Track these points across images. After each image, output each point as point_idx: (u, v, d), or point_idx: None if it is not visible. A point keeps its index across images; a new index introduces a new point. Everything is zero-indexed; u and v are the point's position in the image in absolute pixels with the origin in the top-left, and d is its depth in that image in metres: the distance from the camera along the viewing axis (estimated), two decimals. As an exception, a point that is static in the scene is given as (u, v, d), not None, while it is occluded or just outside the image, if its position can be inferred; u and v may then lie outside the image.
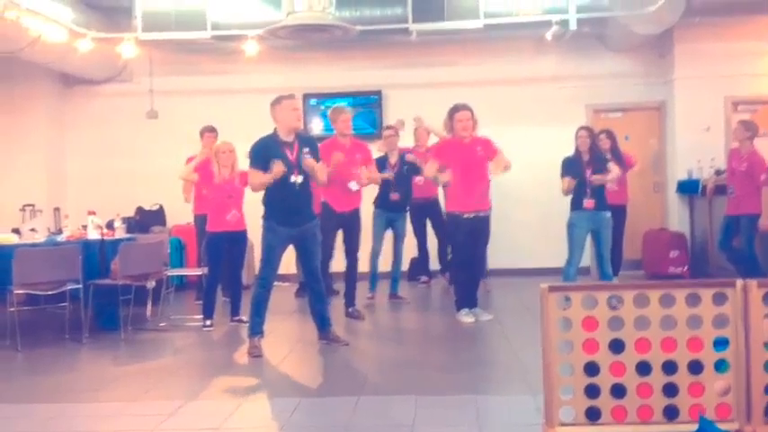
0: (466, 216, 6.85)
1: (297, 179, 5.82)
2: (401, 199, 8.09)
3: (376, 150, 8.17)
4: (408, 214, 8.39)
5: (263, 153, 5.80)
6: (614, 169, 7.31)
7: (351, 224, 7.24)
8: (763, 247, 7.59)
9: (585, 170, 7.20)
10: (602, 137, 7.95)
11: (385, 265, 8.16)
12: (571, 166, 7.24)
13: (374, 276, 8.05)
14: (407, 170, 8.21)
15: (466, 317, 6.99)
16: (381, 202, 8.07)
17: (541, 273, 8.32)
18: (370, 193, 7.99)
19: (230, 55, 9.56)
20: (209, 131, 8.19)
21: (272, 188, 5.83)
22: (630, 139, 9.95)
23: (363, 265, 7.72)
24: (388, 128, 8.52)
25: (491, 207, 7.09)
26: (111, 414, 4.46)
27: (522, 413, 4.21)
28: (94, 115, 10.52)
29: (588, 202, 7.13)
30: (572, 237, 7.25)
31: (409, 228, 8.79)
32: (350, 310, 7.36)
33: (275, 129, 5.92)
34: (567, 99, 9.94)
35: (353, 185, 7.13)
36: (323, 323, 6.18)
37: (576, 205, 7.24)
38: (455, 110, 6.93)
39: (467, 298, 7.07)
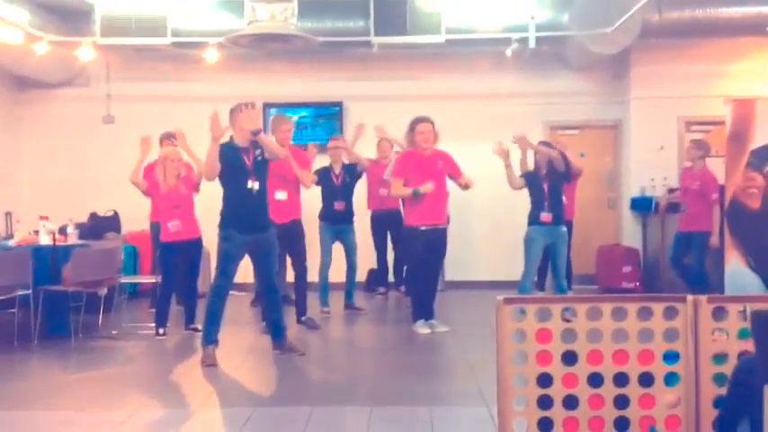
0: (423, 228, 6.88)
1: (254, 185, 5.82)
2: (346, 209, 8.08)
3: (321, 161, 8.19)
4: (359, 225, 8.38)
5: (222, 154, 5.76)
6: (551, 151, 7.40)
7: (292, 235, 7.21)
8: (713, 264, 7.75)
9: (543, 184, 7.28)
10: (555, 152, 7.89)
11: (339, 276, 8.15)
12: (529, 182, 7.32)
13: (325, 289, 8.01)
14: (350, 180, 8.19)
15: (422, 328, 7.00)
16: (326, 215, 8.05)
17: (497, 286, 8.38)
18: (315, 207, 8.05)
19: (190, 62, 9.48)
20: (167, 138, 8.07)
21: (229, 195, 5.83)
22: (586, 156, 10.09)
23: (313, 276, 7.72)
24: (334, 139, 8.44)
25: (448, 221, 7.13)
26: (62, 422, 4.38)
27: (477, 424, 4.23)
28: (50, 119, 10.34)
29: (546, 216, 7.21)
30: (529, 251, 7.31)
31: (368, 238, 8.81)
32: (303, 318, 7.32)
33: (231, 137, 5.90)
34: (524, 116, 10.04)
35: (280, 195, 7.10)
36: (278, 333, 6.14)
37: (533, 220, 7.31)
38: (417, 122, 6.97)
39: (423, 309, 7.09)
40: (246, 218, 5.81)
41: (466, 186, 7.05)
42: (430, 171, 6.90)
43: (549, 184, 7.27)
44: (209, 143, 5.74)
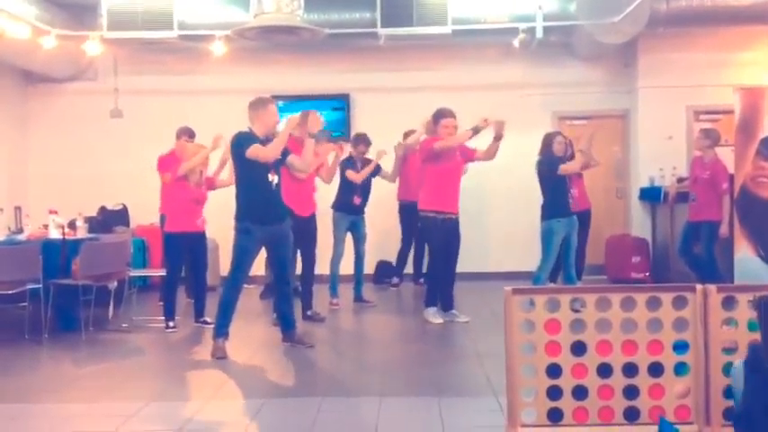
0: (441, 217, 6.95)
1: (273, 178, 5.88)
2: (362, 203, 8.15)
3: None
4: (385, 215, 8.42)
5: (251, 138, 5.80)
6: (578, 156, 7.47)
7: (308, 228, 7.24)
8: (722, 254, 7.72)
9: (565, 176, 7.30)
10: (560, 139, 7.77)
11: (347, 268, 8.17)
12: (552, 163, 7.28)
13: (335, 281, 8.05)
14: (370, 175, 8.22)
15: (433, 316, 7.06)
16: (342, 206, 8.08)
17: (507, 276, 8.38)
18: (329, 196, 8.07)
19: (197, 55, 9.48)
20: (185, 134, 7.83)
21: (249, 187, 5.85)
22: (594, 146, 10.04)
23: (323, 267, 7.74)
24: (362, 143, 8.41)
25: (458, 215, 7.18)
26: (73, 415, 4.40)
27: (486, 414, 4.23)
28: (58, 114, 10.37)
29: (574, 206, 7.27)
30: (550, 244, 7.26)
31: (381, 229, 8.82)
32: (308, 313, 7.33)
33: (249, 128, 5.91)
34: (532, 106, 10.03)
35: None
36: (288, 325, 6.16)
37: (557, 213, 7.25)
38: (441, 115, 7.03)
39: (436, 297, 7.16)
40: (264, 210, 5.84)
41: (488, 155, 7.15)
42: (449, 161, 6.97)
43: (570, 177, 7.30)
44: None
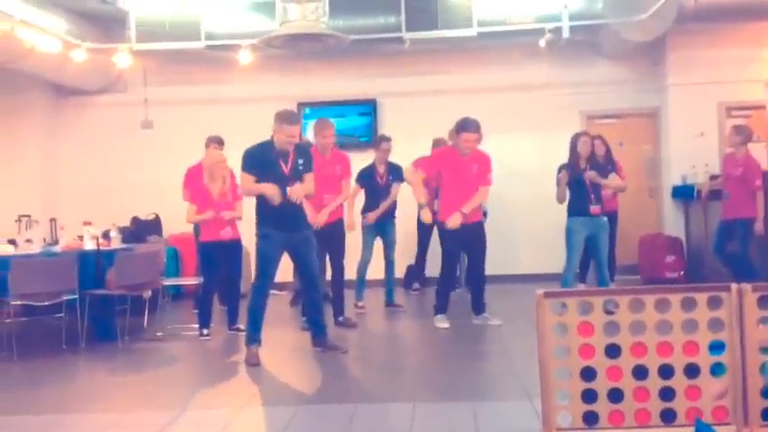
0: (450, 225, 6.87)
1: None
2: (390, 208, 8.13)
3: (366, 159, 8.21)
4: (403, 220, 8.40)
5: (258, 160, 5.82)
6: (616, 179, 7.36)
7: (335, 234, 7.25)
8: (757, 251, 7.61)
9: (585, 177, 7.21)
10: (598, 142, 7.89)
11: (377, 273, 8.17)
12: (571, 173, 7.25)
13: (361, 285, 8.07)
14: (394, 180, 8.20)
15: (441, 322, 7.04)
16: (370, 211, 8.07)
17: (538, 279, 8.33)
18: (357, 205, 8.08)
19: (224, 64, 9.58)
20: (214, 142, 7.86)
21: (264, 197, 5.83)
22: (625, 146, 9.98)
23: (350, 272, 7.76)
24: (387, 140, 8.41)
25: (481, 219, 7.13)
26: (109, 424, 4.45)
27: (520, 418, 4.21)
28: (89, 126, 10.52)
29: (595, 209, 7.15)
30: (570, 242, 7.25)
31: (408, 234, 8.82)
32: (340, 319, 7.34)
33: (271, 137, 5.92)
34: (560, 106, 9.98)
35: (327, 198, 7.12)
36: (319, 331, 6.18)
37: (574, 211, 7.23)
38: (464, 128, 6.88)
39: (444, 304, 7.14)
40: (283, 219, 5.81)
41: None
42: (464, 174, 6.90)
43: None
44: (248, 144, 5.90)
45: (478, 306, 7.20)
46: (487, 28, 8.65)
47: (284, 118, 5.83)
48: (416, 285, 9.40)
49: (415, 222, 8.85)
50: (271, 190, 5.72)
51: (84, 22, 8.96)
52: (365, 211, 8.11)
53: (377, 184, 8.08)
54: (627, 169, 8.89)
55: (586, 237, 7.24)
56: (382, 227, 8.11)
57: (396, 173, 8.21)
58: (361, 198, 8.15)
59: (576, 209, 7.21)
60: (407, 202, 8.76)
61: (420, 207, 7.12)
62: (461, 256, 8.10)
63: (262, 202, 5.87)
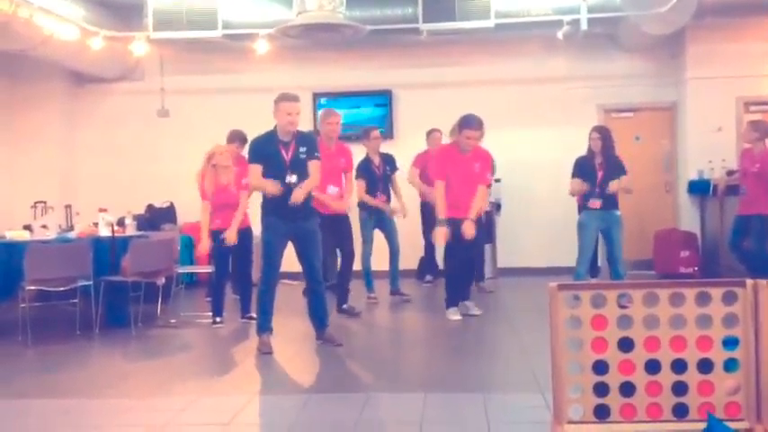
0: (456, 222, 6.84)
1: (291, 179, 5.79)
2: (386, 200, 8.13)
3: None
4: (418, 211, 8.41)
5: (261, 150, 5.84)
6: (615, 183, 7.23)
7: (343, 226, 7.27)
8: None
9: (598, 172, 7.19)
10: (594, 135, 7.38)
11: (380, 264, 8.16)
12: (583, 168, 7.24)
13: (369, 277, 8.07)
14: (390, 170, 8.19)
15: (453, 315, 7.03)
16: (367, 205, 8.04)
17: (552, 272, 8.33)
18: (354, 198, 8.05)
19: (241, 54, 9.59)
20: (239, 141, 7.61)
21: None
22: (641, 140, 9.93)
23: (358, 264, 7.77)
24: (375, 128, 8.40)
25: (499, 209, 7.12)
26: (123, 410, 4.49)
27: (531, 411, 4.21)
28: (106, 113, 10.57)
29: (594, 203, 7.13)
30: (582, 236, 7.25)
31: (417, 227, 8.82)
32: (344, 306, 7.37)
33: (275, 126, 5.92)
34: (577, 99, 9.93)
35: (332, 189, 7.16)
36: (321, 323, 6.16)
37: (584, 205, 7.25)
38: (466, 125, 6.84)
39: (456, 297, 7.12)
40: (286, 208, 5.77)
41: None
42: (465, 172, 6.86)
43: (603, 173, 7.18)
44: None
45: (464, 294, 7.24)
46: (505, 19, 8.62)
47: (281, 97, 5.84)
48: (429, 278, 9.39)
49: (419, 216, 8.87)
50: (271, 188, 5.73)
51: (101, 10, 9.00)
52: (363, 204, 8.09)
53: (375, 176, 8.06)
54: (643, 163, 8.87)
55: (599, 231, 7.22)
56: (379, 220, 8.08)
57: (391, 163, 8.22)
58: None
59: (586, 203, 7.20)
60: (414, 199, 8.77)
61: (439, 224, 6.85)
62: None
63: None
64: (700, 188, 9.40)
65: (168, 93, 10.43)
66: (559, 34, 8.74)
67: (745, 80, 9.37)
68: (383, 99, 10.28)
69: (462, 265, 7.07)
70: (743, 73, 9.32)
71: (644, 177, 9.66)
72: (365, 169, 8.01)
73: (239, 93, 10.18)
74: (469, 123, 6.84)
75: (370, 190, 8.04)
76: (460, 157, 6.88)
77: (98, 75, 10.18)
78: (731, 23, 8.97)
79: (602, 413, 3.28)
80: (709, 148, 9.40)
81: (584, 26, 8.48)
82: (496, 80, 9.95)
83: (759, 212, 7.56)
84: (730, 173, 8.78)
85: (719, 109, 9.51)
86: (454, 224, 6.83)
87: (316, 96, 10.10)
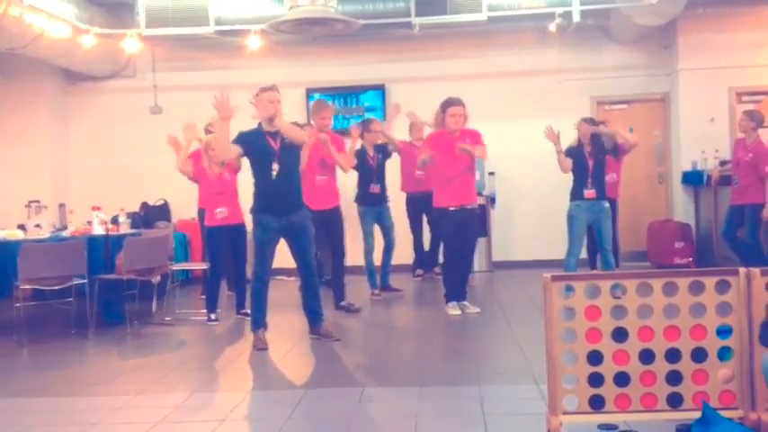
0: (452, 209, 6.83)
1: (274, 168, 5.81)
2: (381, 190, 8.12)
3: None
4: (394, 208, 8.40)
5: (247, 138, 5.87)
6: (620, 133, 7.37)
7: (332, 221, 7.28)
8: (766, 237, 7.58)
9: (588, 160, 7.19)
10: (582, 123, 7.47)
11: (377, 258, 8.16)
12: (574, 160, 7.24)
13: (372, 272, 8.07)
14: (383, 161, 8.20)
15: (453, 309, 7.01)
16: (365, 198, 8.06)
17: (543, 264, 8.33)
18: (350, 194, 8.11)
19: (233, 50, 9.57)
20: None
21: (257, 180, 5.88)
22: (635, 131, 9.92)
23: (358, 260, 7.76)
24: (374, 121, 8.41)
25: (475, 202, 7.08)
26: (118, 407, 4.48)
27: (527, 402, 4.22)
28: (98, 111, 10.54)
29: (590, 193, 7.13)
30: (572, 228, 7.25)
31: (403, 221, 8.83)
32: (342, 303, 7.36)
33: (259, 122, 5.93)
34: (570, 91, 9.93)
35: (320, 180, 7.22)
36: (315, 318, 6.15)
37: (575, 196, 7.23)
38: (448, 104, 6.88)
39: (455, 291, 7.10)
40: (275, 201, 5.80)
41: (479, 155, 6.94)
42: (456, 152, 6.82)
43: (594, 161, 7.18)
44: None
45: (460, 293, 7.14)
46: (497, 12, 8.63)
47: (260, 90, 5.92)
48: (419, 272, 9.36)
49: (404, 212, 8.89)
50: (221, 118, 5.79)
51: (93, 8, 8.96)
52: (359, 196, 8.10)
53: (369, 167, 8.06)
54: (637, 155, 8.85)
55: (589, 223, 7.23)
56: (378, 213, 8.08)
57: (383, 151, 8.24)
58: (353, 185, 8.18)
59: (578, 193, 7.20)
60: (398, 192, 8.77)
61: (423, 162, 6.97)
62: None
63: (257, 187, 5.89)
64: (693, 179, 9.42)
65: (161, 90, 10.40)
66: (552, 27, 8.75)
67: (737, 70, 9.39)
68: (376, 93, 10.26)
69: (461, 258, 7.06)
70: (735, 63, 9.34)
71: (637, 169, 9.68)
72: (360, 160, 7.99)
73: (232, 89, 10.03)
74: (450, 102, 6.89)
75: (364, 181, 8.04)
76: (451, 137, 6.86)
77: (90, 72, 10.15)
78: (722, 14, 8.99)
79: (596, 403, 3.30)
80: (702, 139, 9.43)
81: (576, 18, 8.48)
82: (489, 73, 9.95)
83: (752, 202, 7.58)
84: (723, 163, 8.80)
85: (712, 99, 9.53)
86: (456, 213, 6.83)
87: (309, 91, 10.09)
